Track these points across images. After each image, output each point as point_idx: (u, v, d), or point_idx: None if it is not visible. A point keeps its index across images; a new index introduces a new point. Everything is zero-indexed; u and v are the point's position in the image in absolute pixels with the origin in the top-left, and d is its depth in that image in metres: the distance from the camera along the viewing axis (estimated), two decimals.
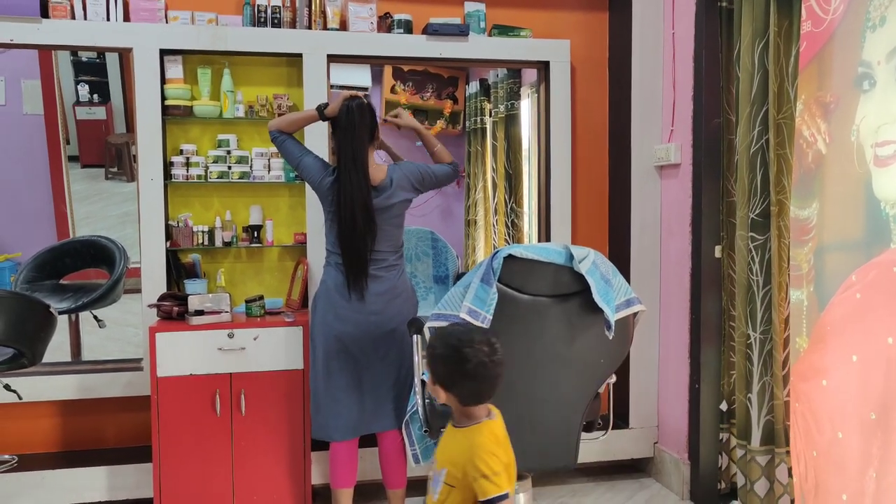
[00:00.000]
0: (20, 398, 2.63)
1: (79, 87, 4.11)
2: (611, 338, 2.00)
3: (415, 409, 2.40)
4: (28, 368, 2.38)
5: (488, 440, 1.61)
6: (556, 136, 3.26)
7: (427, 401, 2.26)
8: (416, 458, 2.57)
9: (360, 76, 3.98)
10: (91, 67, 4.12)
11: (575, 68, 3.31)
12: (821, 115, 2.23)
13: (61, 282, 2.89)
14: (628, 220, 3.23)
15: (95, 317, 2.86)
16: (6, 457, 2.81)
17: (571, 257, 1.97)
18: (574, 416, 2.15)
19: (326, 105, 2.54)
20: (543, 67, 3.27)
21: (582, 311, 2.01)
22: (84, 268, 2.93)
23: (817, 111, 2.25)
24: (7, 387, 2.51)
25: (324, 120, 2.56)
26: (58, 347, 2.74)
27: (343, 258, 2.45)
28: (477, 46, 3.14)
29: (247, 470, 2.69)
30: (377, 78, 4.05)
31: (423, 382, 2.29)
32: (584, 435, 2.21)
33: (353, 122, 2.42)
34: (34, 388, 2.81)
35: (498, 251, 1.96)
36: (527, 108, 3.74)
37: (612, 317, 1.97)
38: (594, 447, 3.06)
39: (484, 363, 1.59)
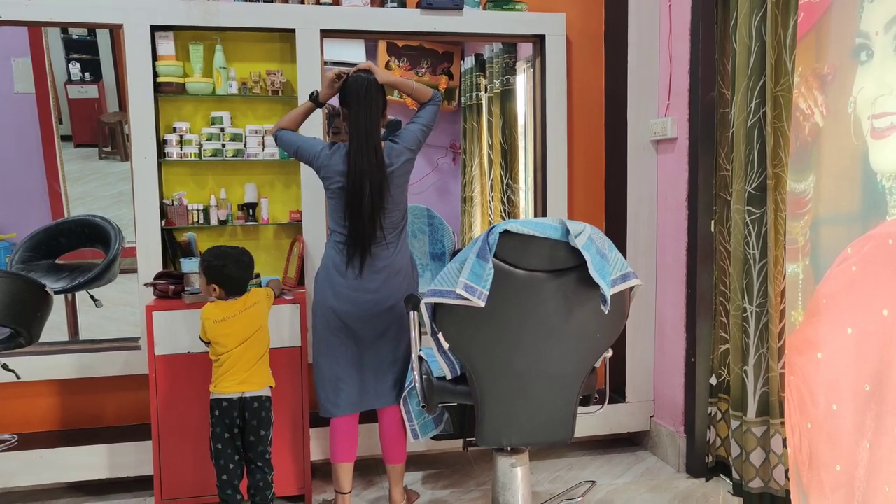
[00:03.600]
0: (18, 377, 2.65)
1: (70, 65, 4.07)
2: (607, 312, 2.00)
3: (413, 385, 2.41)
4: (26, 348, 2.39)
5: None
6: (552, 111, 3.24)
7: (424, 377, 2.27)
8: (415, 434, 2.59)
9: (354, 52, 3.94)
10: (82, 45, 4.08)
11: (571, 42, 3.28)
12: (818, 88, 2.22)
13: (57, 261, 2.89)
14: (625, 195, 3.23)
15: (92, 296, 2.86)
16: (6, 436, 2.83)
17: (567, 232, 1.97)
18: (570, 390, 2.16)
19: (318, 92, 2.56)
20: (539, 41, 3.24)
21: (578, 286, 2.01)
22: (79, 247, 2.93)
23: (814, 83, 2.24)
24: (5, 366, 2.52)
25: (319, 106, 2.58)
26: (55, 327, 2.74)
27: (348, 236, 2.44)
28: (471, 20, 3.11)
29: None
30: (371, 53, 4.01)
31: (420, 359, 2.30)
32: (580, 409, 2.22)
33: (370, 99, 2.40)
34: (32, 367, 2.82)
35: (494, 226, 1.95)
36: (522, 83, 3.72)
37: (608, 291, 1.97)
38: (591, 421, 3.09)
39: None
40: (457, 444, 3.01)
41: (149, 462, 2.71)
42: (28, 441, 2.82)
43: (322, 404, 2.56)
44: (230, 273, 2.39)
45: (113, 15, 2.82)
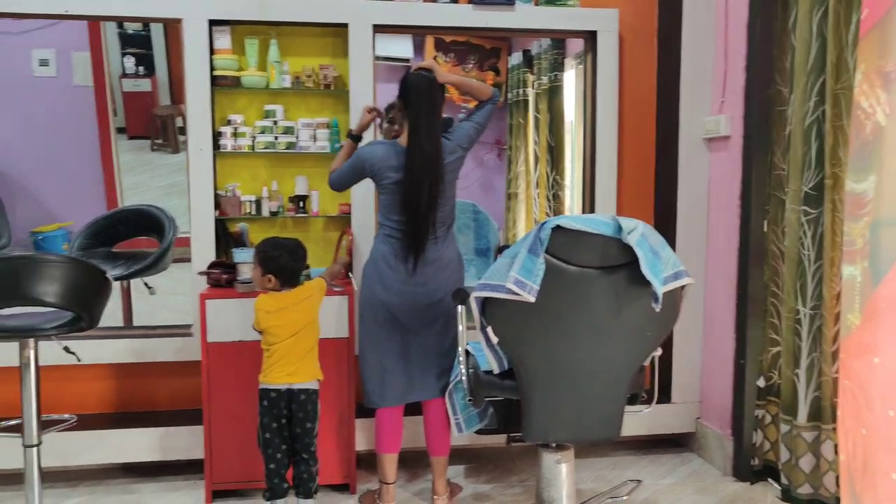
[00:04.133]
0: (79, 360, 2.73)
1: (125, 59, 4.17)
2: (658, 310, 1.98)
3: (459, 378, 2.43)
4: (84, 332, 2.46)
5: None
6: (603, 108, 3.21)
7: (471, 370, 2.28)
8: (460, 427, 2.61)
9: (401, 47, 3.97)
10: (137, 40, 4.18)
11: (623, 38, 3.25)
12: (881, 86, 2.16)
13: (113, 249, 2.97)
14: (675, 193, 3.19)
15: (146, 283, 2.93)
16: (66, 416, 2.92)
17: (620, 229, 1.95)
18: (619, 388, 2.15)
19: (352, 130, 2.71)
20: (590, 37, 3.22)
21: (629, 283, 2.00)
22: (135, 236, 3.01)
23: (877, 81, 2.17)
24: (67, 349, 2.61)
25: (357, 141, 2.68)
26: (110, 314, 2.82)
27: (402, 231, 2.47)
28: (523, 15, 3.10)
29: None
30: (419, 49, 4.03)
31: (466, 352, 2.31)
32: (627, 408, 2.21)
33: (431, 97, 2.44)
34: (91, 350, 2.90)
35: (545, 222, 1.94)
36: (571, 80, 3.69)
37: (661, 289, 1.95)
38: (635, 421, 3.06)
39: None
40: (500, 439, 3.01)
41: (199, 446, 2.78)
42: (86, 422, 2.90)
43: (368, 396, 2.59)
44: (285, 264, 2.43)
45: (173, 9, 2.89)
